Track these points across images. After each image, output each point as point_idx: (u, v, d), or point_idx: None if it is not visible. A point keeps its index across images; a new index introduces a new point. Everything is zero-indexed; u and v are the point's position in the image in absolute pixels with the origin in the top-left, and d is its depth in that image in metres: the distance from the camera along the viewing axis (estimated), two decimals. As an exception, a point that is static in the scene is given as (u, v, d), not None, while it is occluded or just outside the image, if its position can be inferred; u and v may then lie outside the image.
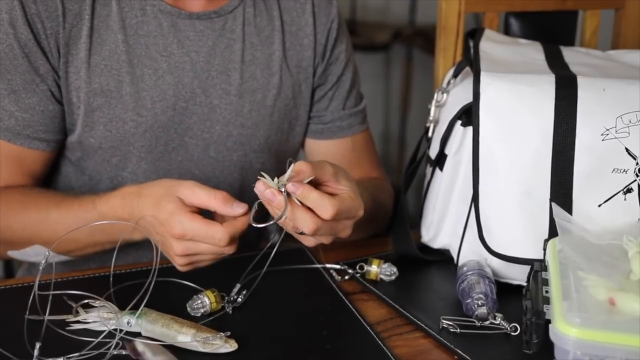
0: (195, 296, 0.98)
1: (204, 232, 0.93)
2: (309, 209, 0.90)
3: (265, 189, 0.89)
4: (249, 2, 1.18)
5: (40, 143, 1.12)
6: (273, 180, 0.90)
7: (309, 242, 0.96)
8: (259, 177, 0.90)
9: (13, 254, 1.12)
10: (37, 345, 0.84)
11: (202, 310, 0.97)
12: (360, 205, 0.94)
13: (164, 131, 1.15)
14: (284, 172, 0.90)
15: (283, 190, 0.89)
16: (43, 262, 0.86)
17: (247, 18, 1.18)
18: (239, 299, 1.00)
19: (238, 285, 1.01)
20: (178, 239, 0.94)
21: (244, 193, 1.23)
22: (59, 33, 1.09)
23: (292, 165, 0.90)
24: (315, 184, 0.92)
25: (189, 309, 0.97)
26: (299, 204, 0.89)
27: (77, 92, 1.11)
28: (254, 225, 0.91)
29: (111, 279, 0.98)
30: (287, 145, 1.26)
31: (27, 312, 0.89)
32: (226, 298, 0.99)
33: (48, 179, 1.20)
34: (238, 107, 1.18)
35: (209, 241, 0.93)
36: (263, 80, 1.19)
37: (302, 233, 0.92)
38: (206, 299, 0.97)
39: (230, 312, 0.98)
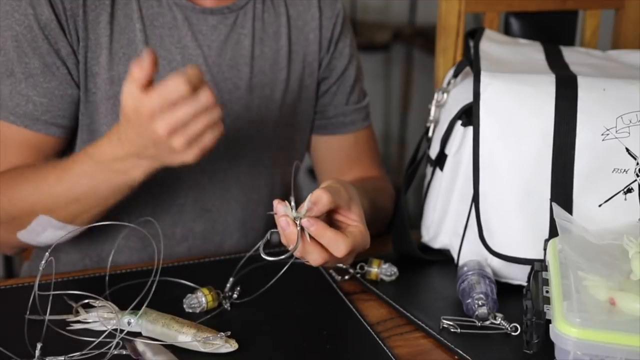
0: (190, 295, 0.98)
1: (165, 91, 0.87)
2: (318, 242, 0.89)
3: (283, 214, 0.88)
4: None
5: (57, 129, 1.11)
6: (292, 209, 0.88)
7: (311, 264, 0.95)
8: (279, 201, 0.88)
9: (22, 235, 1.09)
10: (39, 345, 0.84)
11: (199, 308, 0.97)
12: (368, 239, 0.93)
13: None
14: (291, 174, 0.90)
15: (298, 223, 0.87)
16: (43, 262, 0.86)
17: (257, 14, 1.19)
18: (235, 295, 1.00)
19: (231, 280, 1.01)
20: (152, 118, 0.88)
21: (252, 188, 1.23)
22: (78, 15, 1.08)
23: (310, 196, 0.89)
24: (329, 210, 0.91)
25: (185, 307, 0.97)
26: (308, 238, 0.88)
27: (94, 78, 1.11)
28: (264, 257, 0.88)
29: (107, 279, 0.98)
30: (294, 140, 1.26)
31: (28, 312, 0.89)
32: (221, 295, 1.00)
33: None
34: (248, 101, 1.19)
35: (175, 98, 0.87)
36: (271, 76, 1.20)
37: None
38: (203, 298, 0.97)
39: (229, 308, 0.98)
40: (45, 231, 1.06)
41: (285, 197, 0.90)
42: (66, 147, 1.16)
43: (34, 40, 1.07)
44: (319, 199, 0.89)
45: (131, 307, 0.91)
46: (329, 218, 0.92)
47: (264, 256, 0.88)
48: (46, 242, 1.08)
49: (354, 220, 0.93)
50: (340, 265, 1.09)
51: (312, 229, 0.88)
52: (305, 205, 0.88)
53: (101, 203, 1.04)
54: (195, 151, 0.92)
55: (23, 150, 1.10)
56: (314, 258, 0.89)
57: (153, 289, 0.90)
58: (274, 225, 0.90)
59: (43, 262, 0.86)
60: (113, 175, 0.99)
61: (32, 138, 1.10)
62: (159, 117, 0.88)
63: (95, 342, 0.87)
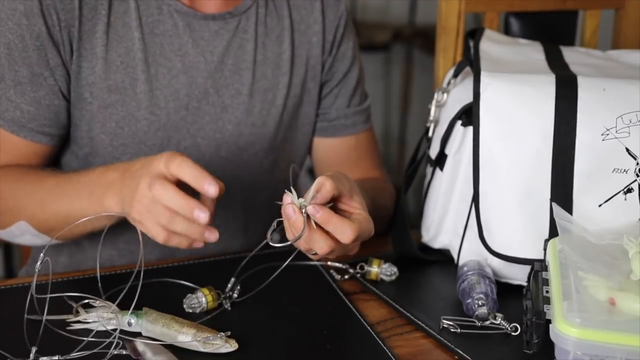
0: (190, 295, 0.98)
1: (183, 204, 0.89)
2: (324, 230, 0.89)
3: (288, 203, 0.88)
4: (261, 2, 1.19)
5: (44, 137, 1.11)
6: (298, 198, 0.89)
7: (315, 257, 0.96)
8: (286, 191, 0.89)
9: (0, 234, 1.11)
10: (33, 349, 0.84)
11: (199, 308, 0.97)
12: (372, 226, 0.94)
13: (176, 130, 1.15)
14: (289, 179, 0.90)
15: (303, 210, 0.88)
16: (38, 264, 0.86)
17: (259, 18, 1.19)
18: (235, 295, 1.00)
19: (232, 280, 1.01)
20: (155, 179, 0.91)
21: (254, 192, 1.23)
22: (73, 26, 1.08)
23: (314, 184, 0.89)
24: (332, 199, 0.91)
25: (185, 307, 0.97)
26: (314, 226, 0.88)
27: (90, 87, 1.11)
28: (271, 243, 0.89)
29: (99, 277, 0.98)
30: (296, 144, 1.26)
31: (26, 312, 0.89)
32: (222, 295, 1.00)
33: None
34: (250, 106, 1.18)
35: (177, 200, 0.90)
36: (273, 80, 1.20)
37: (313, 252, 0.92)
38: (203, 298, 0.97)
39: (229, 308, 0.98)
40: (23, 235, 1.08)
41: None
42: (64, 154, 1.17)
43: (25, 49, 1.08)
44: (322, 185, 0.89)
45: (132, 308, 0.91)
46: (332, 208, 0.92)
47: (270, 243, 0.88)
48: (25, 244, 1.11)
49: (356, 208, 0.93)
50: (340, 264, 1.09)
51: (318, 215, 0.88)
52: (310, 193, 0.89)
53: (74, 228, 0.99)
54: (160, 237, 0.93)
55: (12, 153, 1.12)
56: (321, 246, 0.90)
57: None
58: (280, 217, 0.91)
59: (38, 263, 0.86)
60: (91, 196, 1.00)
61: (19, 144, 1.11)
62: (158, 180, 0.90)
63: (95, 342, 0.87)
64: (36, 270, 0.86)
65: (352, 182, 0.96)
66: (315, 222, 0.88)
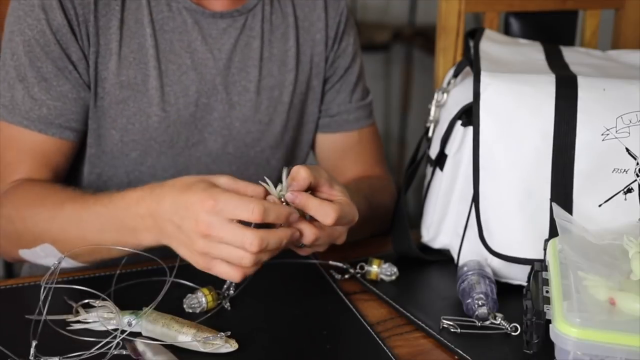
0: (190, 295, 0.98)
1: (238, 205, 0.85)
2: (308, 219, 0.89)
3: (266, 195, 0.89)
4: (266, 0, 1.20)
5: (71, 133, 1.11)
6: (276, 187, 0.89)
7: (304, 251, 0.95)
8: (260, 183, 0.90)
9: (24, 253, 1.07)
10: (34, 343, 0.84)
11: (199, 308, 0.97)
12: (355, 211, 0.94)
13: (185, 126, 1.15)
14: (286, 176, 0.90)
15: (282, 200, 0.88)
16: (56, 262, 0.86)
17: (265, 16, 1.20)
18: (231, 292, 1.00)
19: (228, 280, 1.01)
20: (208, 213, 0.85)
21: None
22: (89, 20, 1.08)
23: (287, 172, 0.89)
24: (310, 189, 0.91)
25: (185, 307, 0.97)
26: (297, 215, 0.89)
27: (103, 82, 1.11)
28: None
29: (114, 279, 0.98)
30: (300, 141, 1.28)
31: (36, 312, 0.89)
32: (220, 293, 1.00)
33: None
34: (257, 103, 1.19)
35: (236, 236, 0.86)
36: (280, 77, 1.21)
37: (300, 245, 0.92)
38: (203, 298, 0.97)
39: (229, 308, 0.98)
40: (47, 257, 1.05)
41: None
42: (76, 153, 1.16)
43: (47, 44, 1.07)
44: (297, 173, 0.90)
45: (144, 310, 0.91)
46: None
47: None
48: (46, 264, 1.05)
49: (337, 195, 0.93)
50: (340, 264, 1.09)
51: (297, 200, 0.88)
52: (284, 184, 0.89)
53: (104, 252, 0.99)
54: (205, 264, 0.89)
55: (36, 155, 1.10)
56: (306, 234, 0.89)
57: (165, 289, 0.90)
58: None
59: (56, 261, 0.85)
60: (122, 229, 0.95)
61: (45, 143, 1.10)
62: (212, 215, 0.85)
63: (95, 342, 0.87)
64: (52, 267, 0.86)
65: (331, 174, 0.95)
66: (299, 211, 0.89)
